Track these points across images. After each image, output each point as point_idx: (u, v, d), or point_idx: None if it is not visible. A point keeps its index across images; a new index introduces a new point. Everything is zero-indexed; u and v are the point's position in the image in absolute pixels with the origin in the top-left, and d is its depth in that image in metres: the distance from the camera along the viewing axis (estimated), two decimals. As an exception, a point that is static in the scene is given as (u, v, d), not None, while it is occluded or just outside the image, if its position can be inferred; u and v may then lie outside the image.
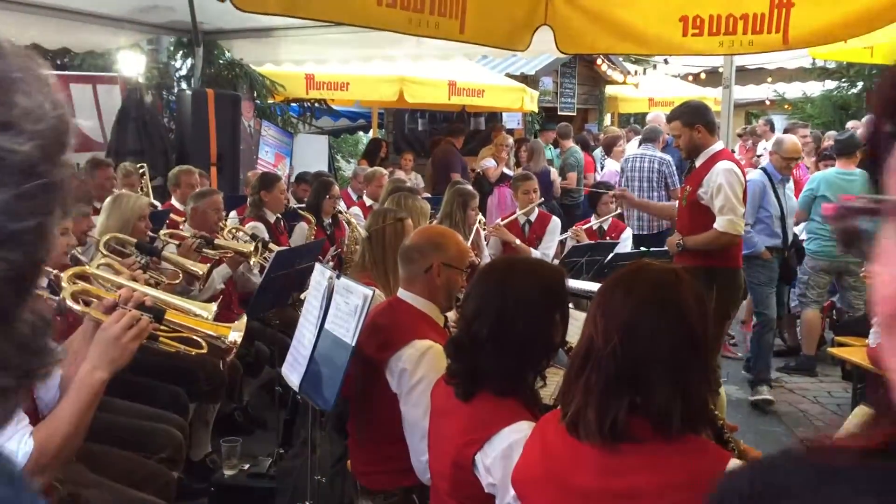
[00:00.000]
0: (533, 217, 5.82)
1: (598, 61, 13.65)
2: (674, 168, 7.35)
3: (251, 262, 4.71)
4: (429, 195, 7.11)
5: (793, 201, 6.13)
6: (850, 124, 9.02)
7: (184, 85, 8.02)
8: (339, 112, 12.42)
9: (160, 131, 7.39)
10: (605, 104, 15.08)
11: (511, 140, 9.87)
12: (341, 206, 6.45)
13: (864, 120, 8.71)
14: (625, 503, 1.61)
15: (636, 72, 14.63)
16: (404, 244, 2.87)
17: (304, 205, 6.21)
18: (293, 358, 2.92)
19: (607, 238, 5.91)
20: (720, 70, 5.99)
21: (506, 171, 8.92)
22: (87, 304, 2.24)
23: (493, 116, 12.53)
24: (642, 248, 6.17)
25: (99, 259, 3.65)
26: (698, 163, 4.65)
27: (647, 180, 7.32)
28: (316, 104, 9.80)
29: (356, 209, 6.72)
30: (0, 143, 0.49)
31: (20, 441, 1.89)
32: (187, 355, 2.41)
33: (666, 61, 14.09)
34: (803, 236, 6.40)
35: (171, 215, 5.31)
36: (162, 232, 4.50)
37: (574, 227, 6.16)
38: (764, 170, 6.07)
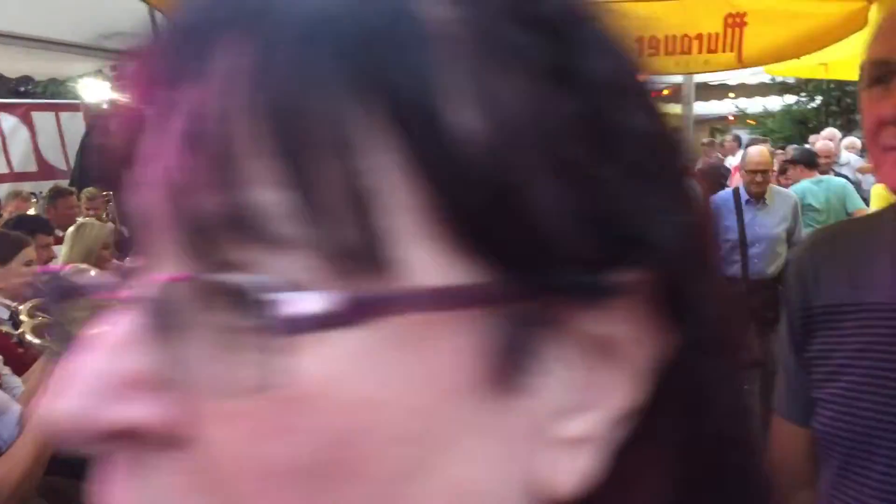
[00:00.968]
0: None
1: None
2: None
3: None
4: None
5: (766, 228, 4.94)
6: (811, 139, 9.01)
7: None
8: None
9: (125, 157, 7.32)
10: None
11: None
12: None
13: (823, 133, 8.83)
14: None
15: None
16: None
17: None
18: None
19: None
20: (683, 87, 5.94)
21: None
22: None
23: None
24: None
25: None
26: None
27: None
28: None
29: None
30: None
31: (-23, 479, 1.86)
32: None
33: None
34: None
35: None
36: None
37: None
38: (736, 189, 5.28)
